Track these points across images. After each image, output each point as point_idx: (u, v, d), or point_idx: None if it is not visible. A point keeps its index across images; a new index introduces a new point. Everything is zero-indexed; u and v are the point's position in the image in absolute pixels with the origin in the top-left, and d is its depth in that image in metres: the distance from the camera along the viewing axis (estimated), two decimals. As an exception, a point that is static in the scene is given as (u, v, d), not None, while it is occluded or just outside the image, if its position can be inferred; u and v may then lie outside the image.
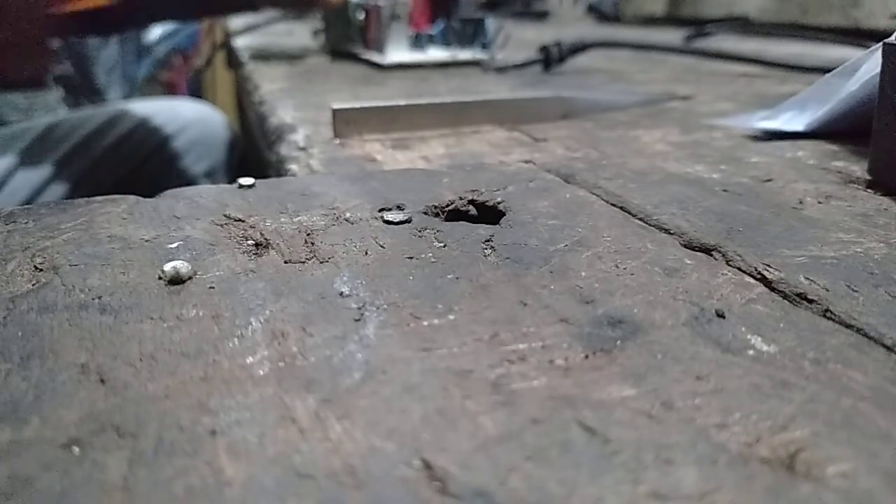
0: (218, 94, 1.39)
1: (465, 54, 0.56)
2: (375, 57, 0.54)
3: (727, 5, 0.88)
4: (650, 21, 0.96)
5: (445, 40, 0.58)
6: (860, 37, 0.74)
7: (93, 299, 0.15)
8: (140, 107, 0.83)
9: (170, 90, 1.89)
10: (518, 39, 0.72)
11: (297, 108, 0.41)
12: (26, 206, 0.22)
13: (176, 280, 0.16)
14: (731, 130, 0.35)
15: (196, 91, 1.59)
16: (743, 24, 0.81)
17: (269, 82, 0.53)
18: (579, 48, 0.53)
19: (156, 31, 2.05)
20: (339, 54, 0.63)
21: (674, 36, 0.85)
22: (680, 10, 0.94)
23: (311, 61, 0.62)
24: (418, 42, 0.57)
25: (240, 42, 0.82)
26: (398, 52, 0.54)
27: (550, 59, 0.51)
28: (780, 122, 0.33)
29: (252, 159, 0.86)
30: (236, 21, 0.96)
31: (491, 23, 0.56)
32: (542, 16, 1.00)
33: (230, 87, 1.17)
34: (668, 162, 0.28)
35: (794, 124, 0.33)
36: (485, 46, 0.57)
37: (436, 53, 0.56)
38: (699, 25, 0.91)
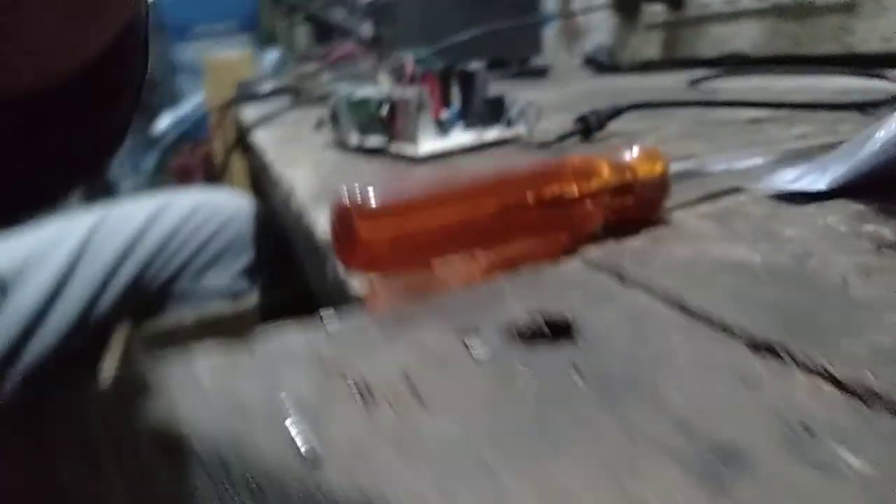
0: (233, 178, 1.43)
1: (492, 133, 0.58)
2: (406, 149, 0.56)
3: (720, 43, 0.91)
4: (647, 66, 0.99)
5: (467, 122, 0.60)
6: (856, 63, 0.77)
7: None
8: (179, 201, 0.85)
9: (183, 177, 1.93)
10: (522, 98, 0.75)
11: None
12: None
13: (311, 456, 0.18)
14: (756, 192, 0.37)
15: (210, 176, 1.63)
16: (740, 62, 0.83)
17: (298, 180, 0.55)
18: (615, 113, 0.56)
19: (164, 120, 2.10)
20: (356, 149, 0.65)
21: (674, 79, 0.87)
22: (675, 51, 0.97)
23: (329, 156, 0.64)
24: (441, 127, 0.59)
25: (258, 136, 0.85)
26: (427, 142, 0.56)
27: (590, 127, 0.54)
28: (805, 184, 0.35)
29: (279, 250, 0.89)
30: (250, 113, 0.99)
31: (520, 99, 0.58)
32: (541, 73, 1.03)
33: (244, 170, 1.20)
34: (707, 244, 0.30)
35: (817, 184, 0.35)
36: (509, 123, 0.59)
37: (463, 136, 0.58)
38: (696, 66, 0.94)
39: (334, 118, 0.68)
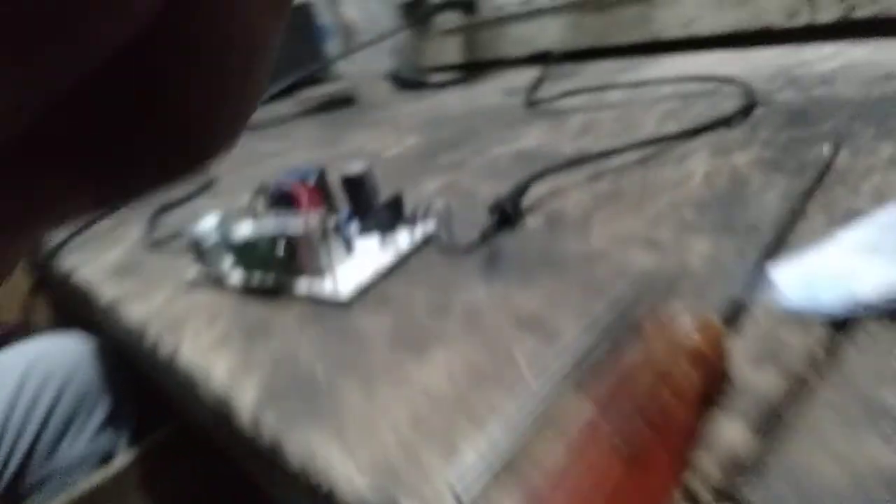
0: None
1: (404, 241, 0.53)
2: (323, 291, 0.48)
3: (524, 43, 0.90)
4: (451, 70, 0.96)
5: (361, 226, 0.55)
6: (661, 50, 0.81)
7: None
8: (1, 368, 0.69)
9: None
10: (366, 153, 0.69)
11: (324, 434, 0.36)
12: None
13: None
14: (765, 307, 0.37)
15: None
16: (550, 59, 0.84)
17: (210, 364, 0.46)
18: (522, 191, 0.53)
19: None
20: (243, 289, 0.57)
21: (494, 91, 0.86)
22: (476, 53, 0.95)
23: (217, 304, 0.55)
24: (346, 244, 0.53)
25: (72, 266, 0.70)
26: (347, 275, 0.50)
27: (511, 217, 0.50)
28: (825, 303, 0.36)
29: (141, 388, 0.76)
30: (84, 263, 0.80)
31: (430, 201, 0.53)
32: (348, 101, 0.95)
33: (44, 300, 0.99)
34: (829, 440, 0.29)
35: (846, 306, 0.35)
36: (412, 222, 0.54)
37: (377, 255, 0.52)
38: (502, 66, 0.93)
39: (200, 255, 0.58)
